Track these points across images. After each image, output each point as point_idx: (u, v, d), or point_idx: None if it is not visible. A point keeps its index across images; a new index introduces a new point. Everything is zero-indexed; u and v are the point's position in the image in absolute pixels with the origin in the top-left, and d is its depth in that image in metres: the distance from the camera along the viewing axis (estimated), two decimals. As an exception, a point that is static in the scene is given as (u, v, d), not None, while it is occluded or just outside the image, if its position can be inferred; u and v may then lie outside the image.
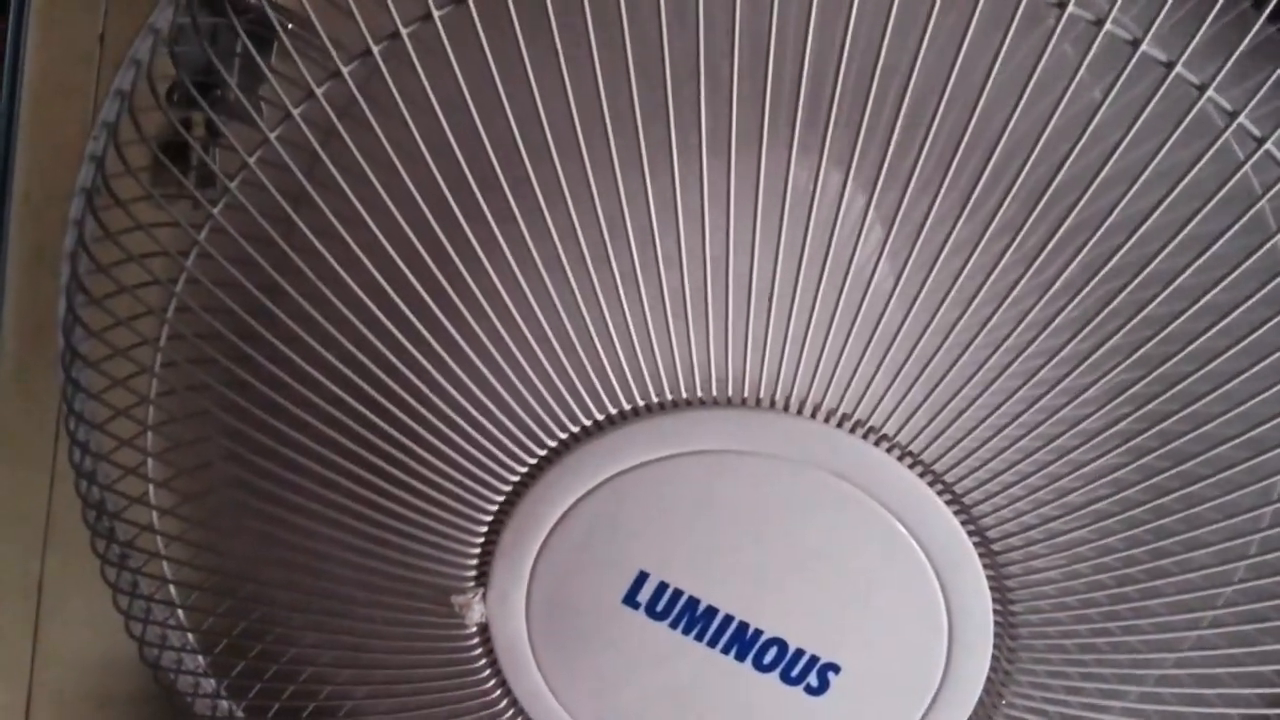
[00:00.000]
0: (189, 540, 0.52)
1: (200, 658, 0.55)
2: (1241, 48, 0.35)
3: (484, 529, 0.46)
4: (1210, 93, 0.36)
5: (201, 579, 0.53)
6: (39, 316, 0.65)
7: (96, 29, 0.63)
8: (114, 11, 0.63)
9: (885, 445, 0.42)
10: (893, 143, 0.37)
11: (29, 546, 0.69)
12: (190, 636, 0.55)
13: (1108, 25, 0.35)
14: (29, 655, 0.71)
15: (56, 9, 0.62)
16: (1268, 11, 0.36)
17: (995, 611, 0.44)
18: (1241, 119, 0.36)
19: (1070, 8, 0.35)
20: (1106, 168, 0.36)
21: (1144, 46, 0.36)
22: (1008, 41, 0.35)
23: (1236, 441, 0.39)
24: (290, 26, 0.41)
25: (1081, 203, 0.37)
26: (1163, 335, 0.38)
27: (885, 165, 0.37)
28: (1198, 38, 0.35)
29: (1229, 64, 0.36)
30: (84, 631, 0.71)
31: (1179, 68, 0.36)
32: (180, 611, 0.54)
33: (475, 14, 0.37)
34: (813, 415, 0.42)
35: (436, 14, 0.38)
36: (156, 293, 0.46)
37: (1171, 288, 0.37)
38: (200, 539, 0.52)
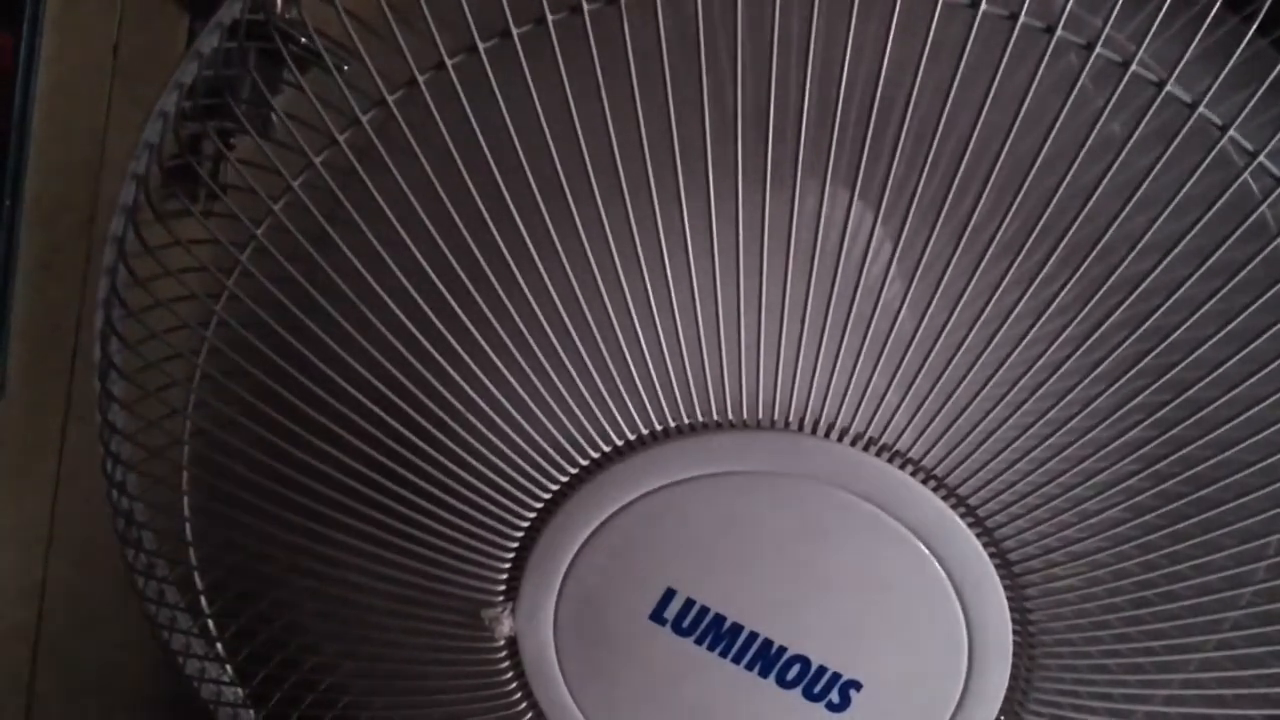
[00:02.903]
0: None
1: (227, 666, 0.55)
2: (1263, 89, 0.37)
3: (515, 545, 0.46)
4: (1232, 132, 0.37)
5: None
6: (46, 324, 0.66)
7: (111, 39, 0.63)
8: (128, 22, 0.63)
9: (909, 468, 0.43)
10: (923, 174, 0.38)
11: (32, 552, 0.70)
12: (218, 645, 0.55)
13: (1134, 67, 0.37)
14: (30, 660, 0.71)
15: (70, 19, 0.63)
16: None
17: (1014, 630, 0.45)
18: (1261, 158, 0.38)
19: (1098, 48, 0.37)
20: (1133, 202, 0.38)
21: (1169, 87, 0.37)
22: (1037, 79, 0.37)
23: (1256, 468, 0.40)
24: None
25: (1111, 229, 0.38)
26: (1190, 360, 0.39)
27: (915, 198, 0.39)
28: (1220, 79, 0.37)
29: (1251, 103, 0.37)
30: (85, 637, 0.71)
31: (1202, 108, 0.37)
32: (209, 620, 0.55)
33: (520, 47, 0.38)
34: (838, 438, 0.43)
35: (481, 46, 0.39)
36: (193, 307, 0.47)
37: (1200, 313, 0.39)
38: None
